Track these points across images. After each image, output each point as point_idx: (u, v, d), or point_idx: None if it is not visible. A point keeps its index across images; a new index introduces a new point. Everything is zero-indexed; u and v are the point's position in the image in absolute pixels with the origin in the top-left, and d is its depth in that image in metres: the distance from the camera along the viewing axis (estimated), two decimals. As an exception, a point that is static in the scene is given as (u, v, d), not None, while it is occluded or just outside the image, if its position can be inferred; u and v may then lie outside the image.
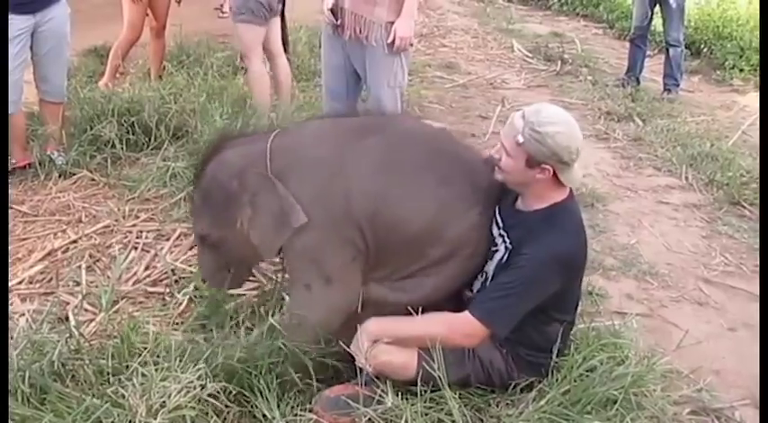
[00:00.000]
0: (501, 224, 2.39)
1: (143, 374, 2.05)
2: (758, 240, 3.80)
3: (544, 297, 2.30)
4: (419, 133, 2.55)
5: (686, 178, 4.59)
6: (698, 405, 2.57)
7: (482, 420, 2.33)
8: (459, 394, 2.32)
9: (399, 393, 2.24)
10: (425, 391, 2.23)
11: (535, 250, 2.25)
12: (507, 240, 2.35)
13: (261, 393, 2.20)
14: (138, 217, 3.41)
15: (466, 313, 2.27)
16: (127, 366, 2.16)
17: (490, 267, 2.38)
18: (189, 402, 1.99)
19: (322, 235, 2.28)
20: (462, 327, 2.28)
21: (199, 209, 2.48)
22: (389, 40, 3.38)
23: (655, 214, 4.13)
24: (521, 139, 2.19)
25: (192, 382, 2.03)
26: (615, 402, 2.30)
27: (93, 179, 3.70)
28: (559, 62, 7.02)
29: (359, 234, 2.29)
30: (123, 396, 1.98)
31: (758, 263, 3.60)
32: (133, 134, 3.87)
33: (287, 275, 2.61)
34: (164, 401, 1.95)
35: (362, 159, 2.33)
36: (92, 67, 5.09)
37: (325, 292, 2.32)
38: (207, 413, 2.06)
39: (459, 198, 2.38)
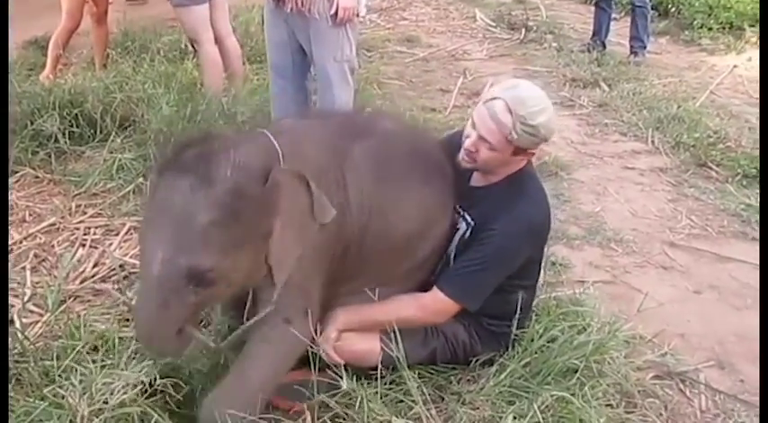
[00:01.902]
0: (457, 204, 2.42)
1: (83, 373, 2.04)
2: (725, 201, 3.87)
3: (515, 268, 2.33)
4: (399, 133, 2.47)
5: (652, 142, 4.63)
6: (662, 369, 2.61)
7: (443, 398, 2.34)
8: (419, 373, 2.34)
9: (360, 377, 2.23)
10: (386, 374, 2.24)
11: (505, 223, 2.26)
12: (468, 218, 2.36)
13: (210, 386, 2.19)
14: (85, 213, 3.37)
15: (435, 291, 2.29)
16: (73, 366, 2.14)
17: (452, 247, 2.40)
18: (134, 399, 1.98)
19: (316, 257, 2.11)
20: (434, 305, 2.31)
21: (207, 234, 1.83)
22: (332, 12, 3.35)
23: (620, 180, 4.16)
24: (514, 137, 2.17)
25: (137, 378, 2.02)
26: (576, 372, 2.33)
27: (36, 176, 3.63)
28: (523, 30, 7.02)
29: (340, 251, 2.18)
30: (62, 396, 1.97)
31: (724, 224, 3.66)
32: (77, 127, 3.80)
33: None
34: (106, 400, 1.94)
35: (358, 169, 2.21)
36: (32, 60, 5.01)
37: (302, 328, 2.10)
38: (153, 410, 2.03)
39: (441, 194, 2.38)
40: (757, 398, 2.53)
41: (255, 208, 1.88)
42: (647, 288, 3.08)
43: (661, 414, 2.40)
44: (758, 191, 3.88)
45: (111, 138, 3.77)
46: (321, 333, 2.19)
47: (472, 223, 2.34)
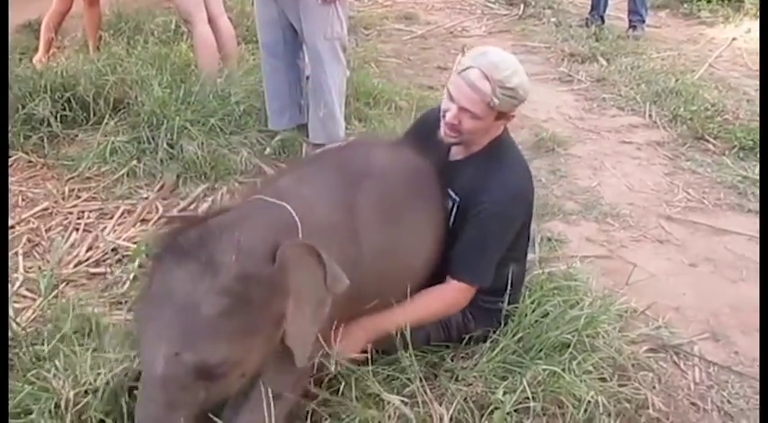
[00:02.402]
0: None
1: (68, 356, 2.04)
2: (721, 173, 3.86)
3: (512, 236, 2.34)
4: (393, 166, 2.34)
5: (650, 116, 4.61)
6: (656, 342, 2.62)
7: (436, 375, 2.34)
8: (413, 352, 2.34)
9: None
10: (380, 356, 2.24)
11: (493, 193, 2.27)
12: (452, 193, 2.36)
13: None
14: (78, 197, 3.35)
15: (452, 282, 2.30)
16: (60, 349, 2.14)
17: None
18: (120, 383, 1.97)
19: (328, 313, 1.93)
20: (454, 295, 2.32)
21: (214, 326, 1.66)
22: (321, -11, 3.32)
23: (617, 155, 4.15)
24: (496, 102, 2.18)
25: (122, 362, 2.01)
26: (569, 346, 2.34)
27: (29, 161, 3.61)
28: (522, 5, 6.97)
29: (356, 295, 2.00)
30: (45, 378, 1.97)
31: (721, 196, 3.66)
32: (70, 110, 3.77)
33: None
34: (90, 382, 1.94)
35: (367, 218, 2.10)
36: (25, 43, 4.98)
37: (289, 403, 1.96)
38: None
39: (439, 211, 2.36)
40: (751, 369, 2.55)
41: (265, 291, 1.73)
42: (642, 262, 3.09)
43: (654, 387, 2.40)
44: (755, 163, 3.87)
45: (105, 121, 3.74)
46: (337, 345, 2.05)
47: (457, 199, 2.35)
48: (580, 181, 3.83)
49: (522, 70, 2.24)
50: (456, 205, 2.35)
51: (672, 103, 4.66)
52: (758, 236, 3.23)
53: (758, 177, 3.72)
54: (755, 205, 3.53)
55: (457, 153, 2.41)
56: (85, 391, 1.95)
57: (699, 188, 3.74)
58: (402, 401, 2.12)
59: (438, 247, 2.33)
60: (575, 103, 4.92)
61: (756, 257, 3.12)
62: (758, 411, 2.37)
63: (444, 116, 2.28)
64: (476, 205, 2.29)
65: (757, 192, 3.61)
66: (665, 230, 3.37)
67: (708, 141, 4.20)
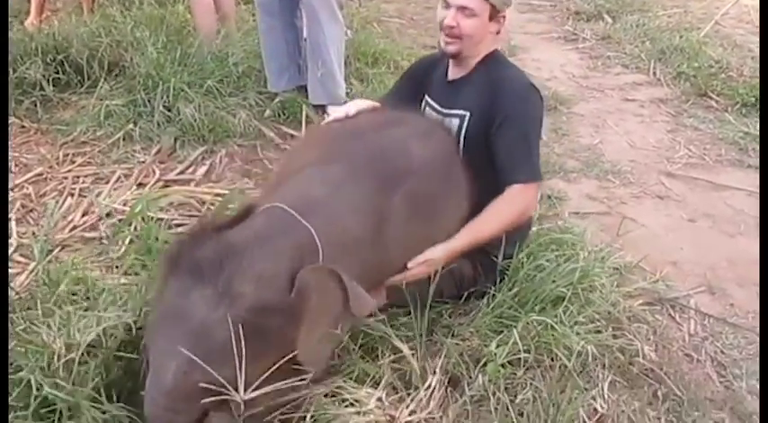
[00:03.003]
0: (439, 108, 2.50)
1: (62, 316, 2.06)
2: (723, 130, 3.89)
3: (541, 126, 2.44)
4: (433, 158, 2.29)
5: (654, 74, 4.63)
6: (652, 296, 2.67)
7: (433, 331, 2.39)
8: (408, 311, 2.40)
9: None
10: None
11: (508, 100, 2.34)
12: (459, 111, 2.44)
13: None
14: (73, 162, 3.35)
15: (513, 186, 2.31)
16: (52, 309, 2.15)
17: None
18: (113, 341, 2.01)
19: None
20: (523, 197, 2.34)
21: (227, 350, 1.65)
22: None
23: (620, 113, 4.18)
24: None
25: (115, 322, 2.04)
26: (564, 299, 2.40)
27: (22, 126, 3.59)
28: (526, -37, 6.94)
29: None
30: (39, 336, 1.98)
31: (722, 152, 3.69)
32: (63, 74, 3.76)
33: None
34: (84, 339, 1.95)
35: (399, 219, 2.08)
36: (17, 6, 4.98)
37: None
38: (131, 351, 2.03)
39: (467, 198, 2.35)
40: (746, 321, 2.62)
41: (281, 320, 1.73)
42: (642, 218, 3.15)
43: (649, 338, 2.46)
44: (757, 119, 3.89)
45: (99, 84, 3.73)
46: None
47: (467, 114, 2.42)
48: (582, 139, 3.86)
49: None
50: (466, 119, 2.42)
51: (676, 61, 4.68)
52: (758, 191, 3.28)
53: (759, 132, 3.74)
54: (756, 161, 3.57)
55: (455, 73, 2.49)
56: (84, 353, 1.96)
57: (700, 144, 3.78)
58: (398, 357, 2.18)
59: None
60: (579, 62, 4.93)
61: (755, 212, 3.17)
62: (751, 361, 2.44)
63: (443, 27, 2.38)
64: (494, 116, 2.35)
65: (758, 147, 3.64)
66: (666, 187, 3.42)
67: (711, 98, 4.23)
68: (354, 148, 2.20)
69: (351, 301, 1.81)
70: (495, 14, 2.37)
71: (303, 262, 1.77)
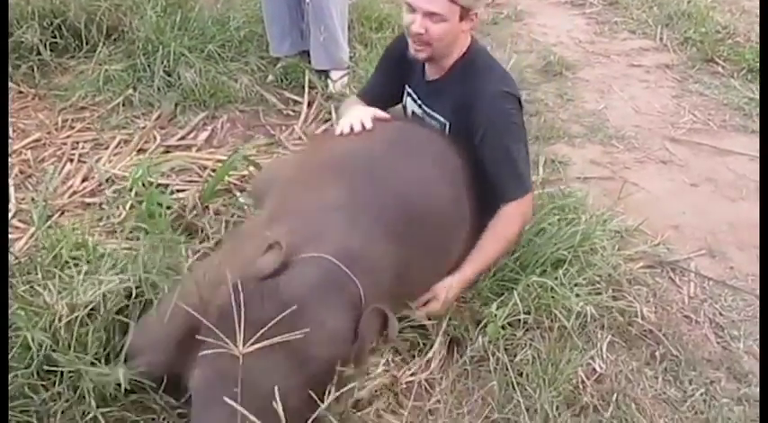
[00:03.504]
0: (420, 103, 2.51)
1: (62, 279, 2.11)
2: (728, 95, 3.92)
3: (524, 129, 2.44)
4: (446, 176, 2.34)
5: (661, 39, 4.64)
6: (653, 259, 2.74)
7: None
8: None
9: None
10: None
11: (486, 112, 2.31)
12: (439, 117, 2.44)
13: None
14: (72, 127, 3.38)
15: (509, 205, 2.34)
16: (54, 272, 2.20)
17: None
18: (111, 303, 2.06)
19: None
20: (520, 212, 2.37)
21: (299, 414, 1.68)
22: None
23: (625, 78, 4.20)
24: None
25: (117, 284, 2.09)
26: (564, 262, 2.46)
27: (20, 91, 3.60)
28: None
29: None
30: (41, 297, 2.04)
31: (726, 118, 3.73)
32: (60, 38, 3.76)
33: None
34: (85, 301, 2.02)
35: (419, 269, 2.15)
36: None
37: None
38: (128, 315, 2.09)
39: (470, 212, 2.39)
40: (745, 283, 2.68)
41: (346, 366, 1.81)
42: (644, 182, 3.20)
43: (648, 301, 2.53)
44: (763, 84, 3.93)
45: (98, 49, 3.74)
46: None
47: (446, 122, 2.43)
48: (587, 104, 3.90)
49: None
50: (446, 128, 2.44)
51: (683, 26, 4.68)
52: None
53: (759, 97, 3.78)
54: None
55: (432, 73, 2.46)
56: (86, 315, 2.01)
57: (705, 110, 3.81)
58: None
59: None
60: (585, 27, 4.94)
61: (757, 177, 3.23)
62: (749, 322, 2.51)
63: (409, 30, 2.31)
64: (473, 131, 2.34)
65: (763, 113, 3.68)
66: (669, 152, 3.46)
67: (717, 64, 4.25)
68: (380, 194, 2.13)
69: (389, 331, 1.89)
70: (466, 14, 2.29)
71: (356, 312, 1.82)
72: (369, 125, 2.37)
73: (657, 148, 3.50)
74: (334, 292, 1.82)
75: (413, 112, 2.60)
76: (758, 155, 3.35)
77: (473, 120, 2.34)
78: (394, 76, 2.62)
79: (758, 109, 3.71)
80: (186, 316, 1.73)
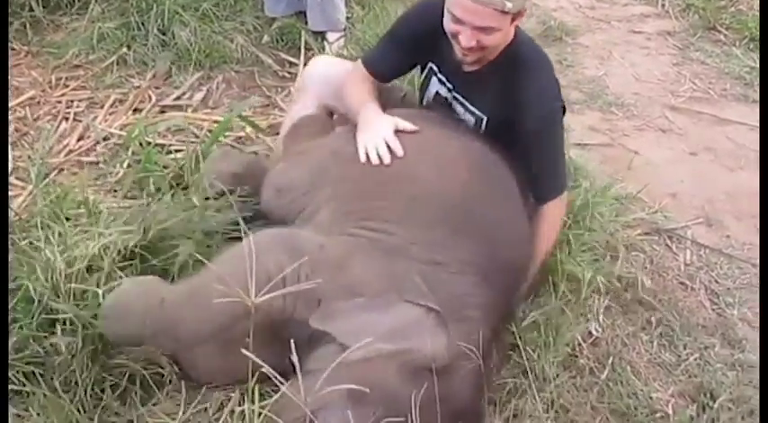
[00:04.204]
0: (452, 90, 2.41)
1: (60, 234, 2.16)
2: (729, 64, 3.98)
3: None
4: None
5: (662, 5, 4.67)
6: (651, 227, 2.82)
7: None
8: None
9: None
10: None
11: (532, 111, 2.23)
12: (476, 111, 2.36)
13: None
14: (66, 86, 3.39)
15: (548, 205, 2.32)
16: (52, 226, 2.24)
17: None
18: (112, 260, 2.10)
19: None
20: (559, 213, 2.37)
21: None
22: None
23: (626, 44, 4.25)
24: (509, 5, 2.06)
25: (116, 240, 2.13)
26: (564, 226, 2.54)
27: (12, 48, 3.58)
28: None
29: None
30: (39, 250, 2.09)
31: (727, 87, 3.80)
32: None
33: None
34: (84, 254, 2.06)
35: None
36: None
37: None
38: (124, 268, 2.13)
39: None
40: (741, 252, 2.78)
41: None
42: (644, 150, 3.27)
43: (646, 267, 2.62)
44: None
45: (91, 6, 3.70)
46: None
47: (483, 116, 2.35)
48: (587, 70, 3.95)
49: None
50: (484, 122, 2.36)
51: (686, -8, 4.72)
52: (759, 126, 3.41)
53: (759, 67, 3.85)
54: (761, 96, 3.68)
55: (472, 63, 2.30)
56: (87, 269, 2.06)
57: (705, 78, 3.87)
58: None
59: None
60: (587, -8, 4.97)
61: (756, 147, 3.30)
62: (744, 290, 2.61)
63: (457, 40, 2.18)
64: (517, 125, 2.26)
65: (764, 82, 3.75)
66: (669, 120, 3.53)
67: (719, 32, 4.29)
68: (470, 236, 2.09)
69: None
70: (516, 17, 2.16)
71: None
72: (398, 150, 2.17)
73: (657, 115, 3.56)
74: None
75: (436, 93, 2.48)
76: (758, 125, 3.41)
77: (519, 118, 2.25)
78: (415, 54, 2.48)
79: (759, 79, 3.77)
80: None
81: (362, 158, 2.17)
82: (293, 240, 1.95)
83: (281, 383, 1.43)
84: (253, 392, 1.56)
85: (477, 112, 2.36)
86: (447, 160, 2.23)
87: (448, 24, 2.18)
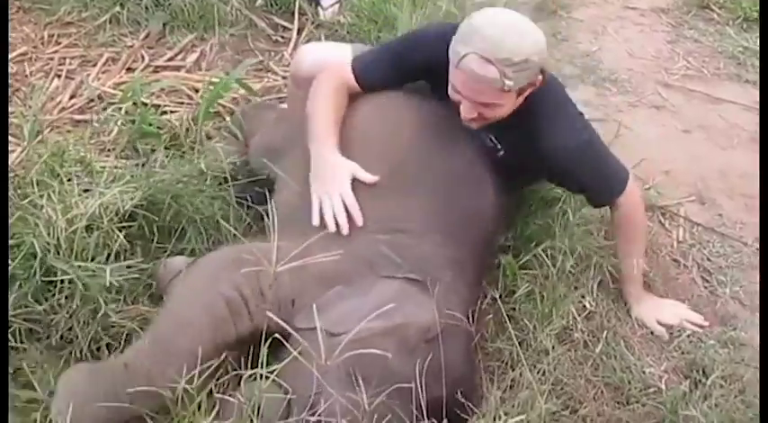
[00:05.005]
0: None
1: (60, 193, 2.15)
2: (723, 43, 3.98)
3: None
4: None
5: (656, -19, 4.65)
6: (645, 204, 2.79)
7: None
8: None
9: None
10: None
11: (560, 153, 2.13)
12: (492, 139, 2.26)
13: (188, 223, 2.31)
14: (59, 43, 3.35)
15: (618, 201, 2.29)
16: (51, 184, 2.23)
17: None
18: (110, 219, 2.11)
19: None
20: (634, 202, 2.32)
21: None
22: None
23: (620, 20, 4.22)
24: (510, 84, 1.95)
25: (115, 200, 2.14)
26: (559, 200, 2.54)
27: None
28: None
29: None
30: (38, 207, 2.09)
31: (720, 66, 3.79)
32: None
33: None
34: (83, 212, 2.07)
35: None
36: None
37: None
38: (123, 228, 2.14)
39: None
40: (733, 231, 2.79)
41: None
42: (637, 127, 3.26)
43: (639, 243, 2.61)
44: (757, 35, 3.97)
45: None
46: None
47: (499, 149, 2.26)
48: (581, 45, 3.92)
49: (527, 27, 1.98)
50: (498, 152, 2.26)
51: (679, -31, 4.69)
52: (753, 106, 3.45)
53: (759, 49, 3.84)
54: (753, 76, 3.68)
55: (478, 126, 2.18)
56: (86, 228, 2.06)
57: (699, 57, 3.86)
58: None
59: None
60: (581, -34, 4.92)
61: (749, 126, 3.32)
62: (736, 269, 2.63)
63: (459, 109, 2.09)
64: (548, 167, 2.22)
65: (757, 63, 3.74)
66: (662, 97, 3.52)
67: (713, 11, 4.27)
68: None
69: None
70: (526, 88, 2.04)
71: None
72: (356, 214, 2.01)
73: (650, 92, 3.55)
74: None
75: None
76: (751, 105, 3.44)
77: (548, 163, 2.18)
78: (414, 80, 2.33)
79: (753, 58, 3.77)
80: None
81: (315, 216, 2.01)
82: (241, 255, 1.86)
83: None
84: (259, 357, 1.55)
85: (492, 139, 2.25)
86: (392, 123, 2.21)
87: (450, 90, 2.08)
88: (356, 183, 2.04)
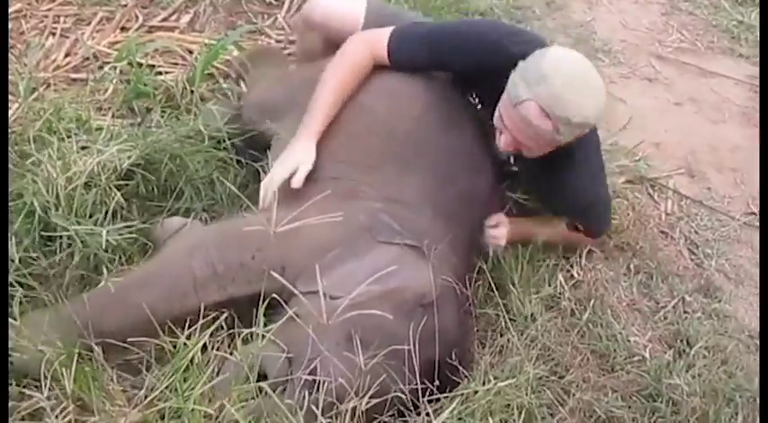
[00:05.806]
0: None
1: (59, 150, 2.16)
2: (717, 17, 3.98)
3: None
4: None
5: (652, -48, 4.64)
6: (634, 175, 2.85)
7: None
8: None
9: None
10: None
11: (575, 203, 2.28)
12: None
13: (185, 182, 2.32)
14: (53, 1, 3.29)
15: (589, 236, 2.42)
16: (50, 141, 2.24)
17: None
18: (108, 177, 2.12)
19: None
20: (592, 242, 2.47)
21: None
22: None
23: (615, -10, 4.23)
24: (559, 138, 1.98)
25: (113, 158, 2.15)
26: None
27: None
28: None
29: None
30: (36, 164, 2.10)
31: (714, 39, 3.80)
32: None
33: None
34: (81, 169, 2.08)
35: None
36: None
37: None
38: (121, 187, 2.15)
39: None
40: (721, 204, 2.83)
41: None
42: (629, 98, 3.27)
43: (628, 214, 2.66)
44: (752, 8, 3.99)
45: None
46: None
47: (520, 174, 2.39)
48: (575, 14, 3.91)
49: (593, 84, 1.97)
50: (510, 167, 2.36)
51: (677, -59, 4.68)
52: (744, 80, 3.48)
53: (754, 23, 3.85)
54: (746, 50, 3.69)
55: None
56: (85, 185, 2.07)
57: (693, 30, 3.87)
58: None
59: None
60: (575, -66, 4.89)
61: (740, 101, 3.35)
62: (722, 242, 2.67)
63: (499, 137, 2.10)
64: (559, 207, 2.36)
65: (750, 37, 3.76)
66: (655, 69, 3.53)
67: (708, -17, 4.28)
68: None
69: None
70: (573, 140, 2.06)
71: None
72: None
73: (643, 64, 3.56)
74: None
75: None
76: (743, 79, 3.48)
77: (561, 205, 2.34)
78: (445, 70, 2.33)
79: (747, 33, 3.79)
80: None
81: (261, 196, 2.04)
82: (227, 231, 1.96)
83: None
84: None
85: (510, 156, 2.29)
86: (402, 98, 2.22)
87: (496, 117, 2.07)
88: (358, 153, 2.10)
